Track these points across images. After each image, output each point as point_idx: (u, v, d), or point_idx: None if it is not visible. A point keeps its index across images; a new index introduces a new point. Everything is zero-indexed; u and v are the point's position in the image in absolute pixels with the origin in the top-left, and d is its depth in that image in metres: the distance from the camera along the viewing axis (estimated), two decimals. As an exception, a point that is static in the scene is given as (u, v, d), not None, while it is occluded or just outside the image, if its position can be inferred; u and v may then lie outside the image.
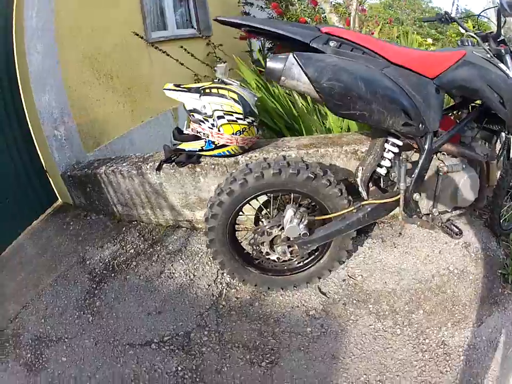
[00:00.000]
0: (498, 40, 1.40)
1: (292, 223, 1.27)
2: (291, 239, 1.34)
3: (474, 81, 1.22)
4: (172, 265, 1.73)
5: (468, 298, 1.56)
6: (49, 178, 2.25)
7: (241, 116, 1.53)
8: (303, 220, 1.29)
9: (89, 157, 2.33)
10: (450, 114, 1.53)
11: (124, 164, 1.92)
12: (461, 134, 1.39)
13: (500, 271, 1.75)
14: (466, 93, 1.29)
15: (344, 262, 1.56)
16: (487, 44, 1.39)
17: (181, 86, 1.58)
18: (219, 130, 1.55)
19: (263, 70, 2.46)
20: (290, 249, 1.41)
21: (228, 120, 1.53)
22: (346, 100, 1.03)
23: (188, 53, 3.34)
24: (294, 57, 1.00)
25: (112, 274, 1.69)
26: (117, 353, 1.31)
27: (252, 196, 1.30)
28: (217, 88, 1.53)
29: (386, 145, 1.29)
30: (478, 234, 2.04)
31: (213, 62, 4.00)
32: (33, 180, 2.16)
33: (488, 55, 1.28)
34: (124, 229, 2.02)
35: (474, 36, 1.45)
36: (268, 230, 1.38)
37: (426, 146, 1.22)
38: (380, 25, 3.80)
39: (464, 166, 1.33)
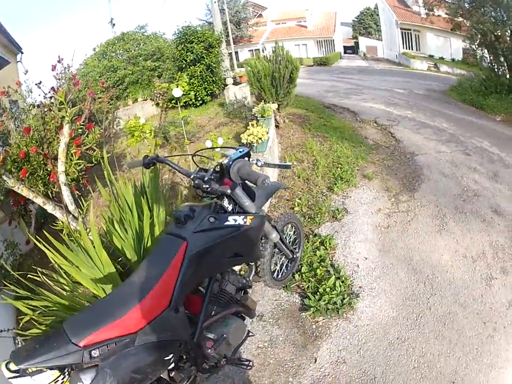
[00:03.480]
0: (225, 175, 1.56)
1: None
2: None
3: (198, 277, 1.44)
4: None
5: (290, 353, 2.25)
6: None
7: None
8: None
9: None
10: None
11: None
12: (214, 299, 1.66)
13: (301, 314, 2.51)
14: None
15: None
16: (207, 187, 1.51)
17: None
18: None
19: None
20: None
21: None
22: None
23: None
24: None
25: None
26: None
27: None
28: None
29: None
30: (266, 298, 2.70)
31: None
32: None
33: (212, 219, 1.44)
34: None
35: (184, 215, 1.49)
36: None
37: (190, 348, 1.50)
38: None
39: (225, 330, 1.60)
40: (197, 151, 1.91)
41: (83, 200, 2.89)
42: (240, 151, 1.58)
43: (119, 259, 2.32)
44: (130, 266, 2.23)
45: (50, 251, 2.06)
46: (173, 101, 4.20)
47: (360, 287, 2.78)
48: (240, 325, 1.72)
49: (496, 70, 8.90)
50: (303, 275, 2.79)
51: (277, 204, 3.92)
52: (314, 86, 12.59)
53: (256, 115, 4.67)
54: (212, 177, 1.57)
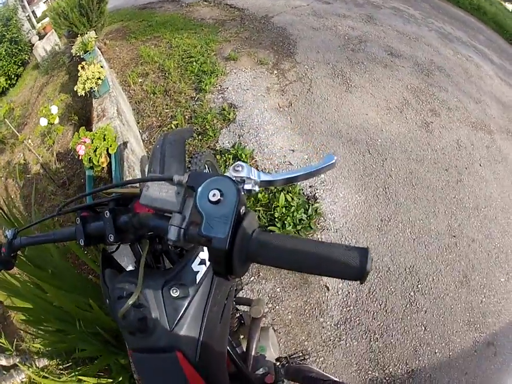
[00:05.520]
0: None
1: None
2: None
3: (222, 360, 1.28)
4: None
5: (299, 297, 2.30)
6: None
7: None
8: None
9: None
10: None
11: None
12: None
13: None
14: None
15: None
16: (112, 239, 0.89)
17: None
18: None
19: None
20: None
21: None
22: None
23: None
24: None
25: None
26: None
27: None
28: None
29: None
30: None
31: None
32: None
33: (175, 291, 0.97)
34: None
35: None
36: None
37: None
38: None
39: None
40: (67, 204, 1.13)
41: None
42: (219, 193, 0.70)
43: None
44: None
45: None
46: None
47: (310, 186, 2.74)
48: (272, 337, 1.78)
49: None
50: (243, 207, 2.56)
51: (152, 139, 3.48)
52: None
53: (78, 54, 4.41)
54: (121, 220, 0.96)
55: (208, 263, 0.98)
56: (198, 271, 0.97)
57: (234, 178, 0.77)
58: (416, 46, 4.70)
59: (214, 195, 0.66)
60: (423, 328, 2.21)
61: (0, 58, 8.26)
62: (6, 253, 1.10)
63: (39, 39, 8.34)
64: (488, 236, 2.63)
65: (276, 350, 1.79)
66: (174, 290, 0.92)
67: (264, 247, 0.67)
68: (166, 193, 0.77)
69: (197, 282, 0.97)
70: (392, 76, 3.83)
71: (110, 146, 2.54)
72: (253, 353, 1.62)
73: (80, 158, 2.50)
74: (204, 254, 1.00)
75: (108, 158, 2.54)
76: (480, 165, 3.10)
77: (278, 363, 1.78)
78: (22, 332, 2.62)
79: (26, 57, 8.91)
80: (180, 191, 0.74)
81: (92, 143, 2.51)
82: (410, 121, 3.29)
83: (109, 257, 1.04)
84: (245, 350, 1.60)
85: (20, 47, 8.79)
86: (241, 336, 1.74)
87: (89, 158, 2.47)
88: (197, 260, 0.98)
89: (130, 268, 1.38)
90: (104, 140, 2.55)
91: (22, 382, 2.45)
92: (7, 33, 8.67)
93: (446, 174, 2.87)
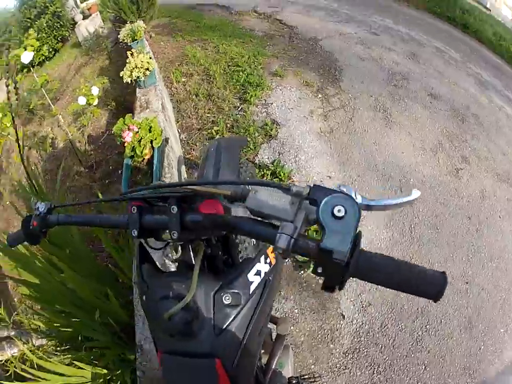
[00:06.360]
0: None
1: None
2: None
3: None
4: None
5: (314, 321, 2.44)
6: None
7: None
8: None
9: None
10: None
11: None
12: None
13: (300, 273, 2.62)
14: None
15: None
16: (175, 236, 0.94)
17: None
18: None
19: None
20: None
21: None
22: None
23: None
24: None
25: None
26: None
27: None
28: None
29: None
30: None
31: None
32: None
33: (228, 298, 0.99)
34: None
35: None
36: None
37: None
38: None
39: None
40: (135, 190, 1.06)
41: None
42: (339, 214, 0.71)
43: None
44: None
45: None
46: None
47: (339, 211, 2.86)
48: (290, 353, 1.83)
49: None
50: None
51: (190, 140, 3.61)
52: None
53: (125, 41, 4.35)
54: (189, 218, 0.95)
55: (263, 274, 1.01)
56: (253, 281, 0.99)
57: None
58: (454, 90, 4.85)
59: (339, 211, 0.68)
60: (424, 367, 2.34)
61: (40, 29, 8.15)
62: (37, 227, 1.07)
63: (83, 19, 8.45)
64: (497, 287, 2.77)
65: (292, 368, 1.84)
66: (227, 297, 0.94)
67: (371, 264, 0.70)
68: (277, 200, 0.78)
69: (250, 292, 0.99)
70: (430, 117, 4.00)
71: (155, 139, 2.55)
72: (274, 368, 1.63)
73: (124, 145, 2.48)
74: (261, 265, 1.03)
75: (152, 151, 2.58)
76: (499, 217, 3.24)
77: (293, 381, 1.83)
78: (18, 304, 2.63)
79: (66, 34, 8.90)
80: (294, 201, 0.75)
81: (137, 132, 2.53)
82: (442, 165, 3.45)
83: (145, 252, 1.03)
84: (263, 364, 1.59)
85: (61, 22, 8.75)
86: (262, 351, 1.70)
87: (133, 147, 2.49)
88: (253, 270, 1.00)
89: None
90: (150, 131, 2.58)
91: (13, 356, 2.37)
92: (51, 6, 8.58)
93: (468, 221, 3.03)
